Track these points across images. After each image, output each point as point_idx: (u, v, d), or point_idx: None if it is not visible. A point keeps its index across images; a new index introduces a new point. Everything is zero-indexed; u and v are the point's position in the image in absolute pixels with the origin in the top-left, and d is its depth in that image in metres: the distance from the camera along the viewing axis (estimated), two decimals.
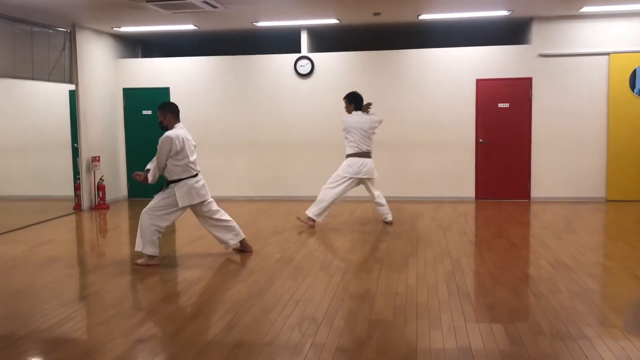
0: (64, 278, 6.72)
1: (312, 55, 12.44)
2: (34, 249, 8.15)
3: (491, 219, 10.11)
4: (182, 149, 6.86)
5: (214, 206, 7.56)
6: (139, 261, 7.29)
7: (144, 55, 13.78)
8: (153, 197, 7.24)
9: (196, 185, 7.20)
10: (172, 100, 12.49)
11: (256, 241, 8.42)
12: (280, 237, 8.78)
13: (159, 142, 6.79)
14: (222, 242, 7.65)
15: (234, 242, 7.67)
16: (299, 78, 12.46)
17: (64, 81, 11.01)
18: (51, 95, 11.08)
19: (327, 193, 8.90)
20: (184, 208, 7.18)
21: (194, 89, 12.81)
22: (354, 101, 9.06)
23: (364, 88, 11.97)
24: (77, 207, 11.64)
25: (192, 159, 7.12)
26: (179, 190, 7.09)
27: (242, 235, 7.78)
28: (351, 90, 9.80)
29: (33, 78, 9.98)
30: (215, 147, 12.79)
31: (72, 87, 11.45)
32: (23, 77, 9.83)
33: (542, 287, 6.24)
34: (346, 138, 8.95)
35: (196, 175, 7.24)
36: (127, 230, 9.62)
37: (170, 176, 6.96)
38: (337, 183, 8.88)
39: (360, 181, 9.00)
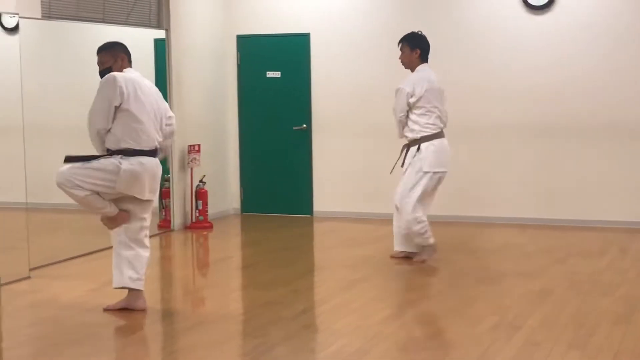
0: (148, 339, 6.16)
1: None
2: (101, 291, 7.39)
3: None
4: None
5: None
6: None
7: None
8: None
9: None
10: (315, 54, 10.79)
11: None
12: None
13: None
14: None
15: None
16: (529, 12, 10.07)
17: (148, 25, 10.40)
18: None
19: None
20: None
21: (353, 36, 10.69)
22: (420, 45, 8.12)
23: None
24: (164, 225, 10.37)
25: None
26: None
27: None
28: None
29: (103, 21, 9.66)
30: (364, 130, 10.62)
31: (161, 34, 10.59)
32: (88, 19, 9.47)
33: None
34: (415, 111, 8.14)
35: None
36: (242, 264, 8.97)
37: None
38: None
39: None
